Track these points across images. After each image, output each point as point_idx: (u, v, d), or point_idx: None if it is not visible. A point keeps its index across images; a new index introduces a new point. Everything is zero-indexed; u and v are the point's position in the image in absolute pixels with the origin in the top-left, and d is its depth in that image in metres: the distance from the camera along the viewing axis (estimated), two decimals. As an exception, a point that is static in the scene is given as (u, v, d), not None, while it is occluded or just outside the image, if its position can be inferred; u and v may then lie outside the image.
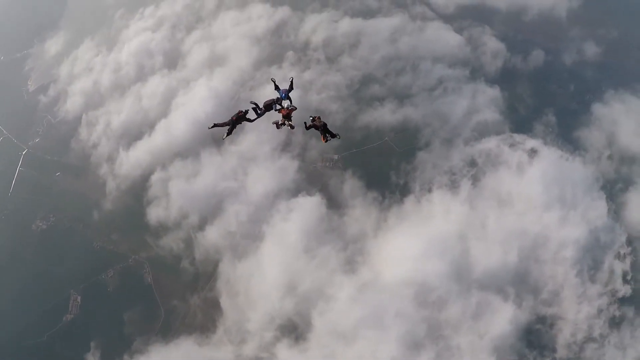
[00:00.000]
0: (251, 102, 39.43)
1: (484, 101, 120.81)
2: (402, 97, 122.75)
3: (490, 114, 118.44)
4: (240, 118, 39.19)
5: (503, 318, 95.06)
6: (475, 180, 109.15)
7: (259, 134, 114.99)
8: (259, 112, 39.30)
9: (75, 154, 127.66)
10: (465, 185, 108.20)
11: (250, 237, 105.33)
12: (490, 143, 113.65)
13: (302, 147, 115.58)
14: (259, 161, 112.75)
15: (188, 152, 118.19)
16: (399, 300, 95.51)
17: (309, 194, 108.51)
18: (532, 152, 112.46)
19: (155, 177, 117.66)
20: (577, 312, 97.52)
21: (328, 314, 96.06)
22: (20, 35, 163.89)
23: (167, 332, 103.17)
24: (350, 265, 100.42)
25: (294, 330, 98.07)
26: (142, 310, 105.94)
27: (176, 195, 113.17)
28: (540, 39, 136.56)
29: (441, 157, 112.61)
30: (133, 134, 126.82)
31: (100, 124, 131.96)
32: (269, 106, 38.93)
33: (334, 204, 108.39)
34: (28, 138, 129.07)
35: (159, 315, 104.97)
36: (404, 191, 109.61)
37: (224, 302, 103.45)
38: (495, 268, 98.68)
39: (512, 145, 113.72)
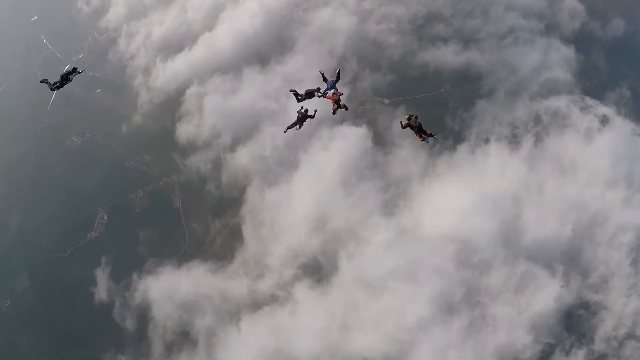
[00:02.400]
0: (291, 90, 39.71)
1: (557, 59, 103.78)
2: (467, 41, 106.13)
3: (562, 73, 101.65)
4: (304, 116, 39.16)
5: (548, 295, 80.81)
6: (538, 139, 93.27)
7: (308, 56, 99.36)
8: (299, 97, 39.09)
9: (112, 66, 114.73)
10: (528, 142, 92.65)
11: (284, 163, 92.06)
12: (560, 102, 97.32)
13: (354, 75, 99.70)
14: (305, 85, 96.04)
15: (229, 67, 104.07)
16: (439, 256, 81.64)
17: (355, 124, 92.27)
18: (604, 119, 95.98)
19: (190, 91, 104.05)
20: (624, 304, 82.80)
21: (357, 258, 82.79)
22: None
23: (182, 256, 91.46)
24: (390, 208, 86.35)
25: (317, 271, 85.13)
26: (163, 233, 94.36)
27: (210, 111, 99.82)
28: (622, 8, 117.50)
29: (504, 108, 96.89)
30: (173, 47, 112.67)
31: (140, 35, 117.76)
32: (310, 94, 38.77)
33: (381, 140, 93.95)
34: (72, 54, 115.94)
35: (179, 239, 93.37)
36: (458, 138, 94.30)
37: (247, 231, 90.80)
38: (547, 239, 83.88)
39: (583, 109, 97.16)
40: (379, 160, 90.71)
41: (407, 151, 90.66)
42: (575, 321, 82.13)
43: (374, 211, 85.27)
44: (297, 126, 39.14)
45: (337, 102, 37.76)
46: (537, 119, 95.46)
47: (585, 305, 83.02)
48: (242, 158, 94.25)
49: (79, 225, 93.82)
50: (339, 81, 38.87)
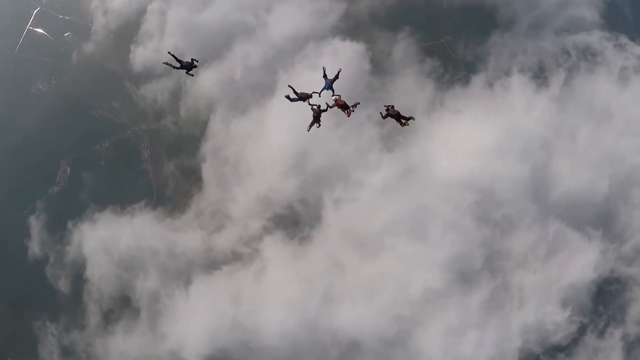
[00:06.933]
0: (289, 86, 29.93)
1: (582, -3, 73.32)
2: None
3: (588, 12, 71.11)
4: (319, 112, 29.92)
5: (585, 263, 54.55)
6: (568, 76, 64.01)
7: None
8: (292, 98, 29.81)
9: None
10: (558, 77, 63.37)
11: (257, 88, 61.76)
12: (592, 37, 67.68)
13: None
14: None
15: (199, -19, 72.43)
16: (453, 208, 53.63)
17: (351, 38, 62.17)
18: (640, 61, 68.09)
19: (152, 7, 72.70)
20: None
21: (347, 206, 54.78)
22: None
23: (126, 202, 63.72)
24: (390, 143, 57.48)
25: (294, 224, 57.68)
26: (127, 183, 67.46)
27: (173, 28, 68.78)
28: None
29: (526, 38, 67.06)
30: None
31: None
32: (304, 98, 30.02)
33: (379, 66, 63.23)
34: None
35: (145, 191, 66.09)
36: (472, 68, 64.49)
37: (206, 172, 62.24)
38: (581, 195, 56.92)
39: (617, 47, 67.62)
40: (376, 85, 60.72)
41: (411, 80, 60.62)
42: (606, 298, 56.48)
43: (370, 146, 56.12)
44: (317, 124, 30.12)
45: (344, 106, 29.62)
46: (566, 54, 66.53)
47: (616, 280, 57.22)
48: (206, 82, 64.41)
49: (40, 180, 68.77)
50: (337, 80, 30.08)
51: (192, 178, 63.02)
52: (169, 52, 30.59)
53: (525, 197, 54.61)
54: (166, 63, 30.97)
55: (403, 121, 30.50)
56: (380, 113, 30.56)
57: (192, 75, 31.42)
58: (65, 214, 63.73)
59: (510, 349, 50.18)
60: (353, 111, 30.07)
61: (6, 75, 79.21)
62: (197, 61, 31.07)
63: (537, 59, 65.21)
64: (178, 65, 30.70)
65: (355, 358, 51.31)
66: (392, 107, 30.50)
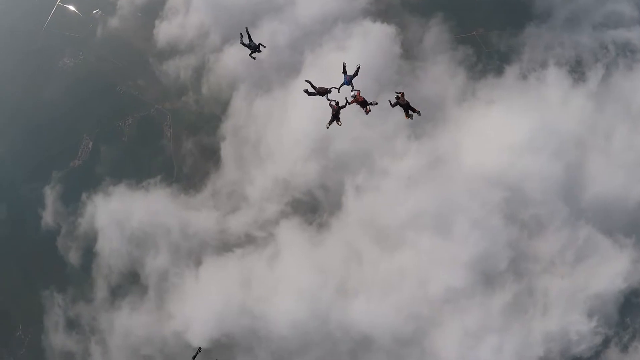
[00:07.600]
0: (306, 81, 29.94)
1: (621, -9, 68.27)
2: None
3: (628, 8, 65.40)
4: (338, 109, 29.43)
5: (614, 272, 49.91)
6: (607, 72, 58.99)
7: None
8: (309, 92, 29.76)
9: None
10: (596, 73, 58.48)
11: (283, 67, 57.77)
12: (632, 33, 62.37)
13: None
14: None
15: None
16: (480, 204, 49.34)
17: (382, 20, 58.20)
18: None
19: (179, -18, 69.80)
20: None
21: (369, 195, 50.53)
22: None
23: (143, 177, 60.52)
24: (417, 131, 52.75)
25: (313, 210, 53.67)
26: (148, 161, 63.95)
27: (199, 4, 65.01)
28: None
29: (563, 31, 61.82)
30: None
31: None
32: (323, 93, 29.76)
33: (411, 50, 58.90)
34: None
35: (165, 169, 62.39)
36: (506, 58, 59.69)
37: (226, 151, 58.57)
38: (613, 199, 52.10)
39: (658, 44, 63.95)
40: (406, 69, 56.74)
41: (442, 67, 56.98)
42: (633, 310, 51.64)
43: (397, 133, 51.95)
44: (337, 122, 29.58)
45: (363, 102, 28.67)
46: (605, 49, 61.54)
47: (640, 292, 53.99)
48: (230, 60, 60.40)
49: (63, 153, 65.86)
50: (357, 76, 29.18)
51: (211, 157, 59.70)
52: (246, 28, 31.11)
53: (556, 198, 50.34)
54: (241, 34, 31.49)
55: (410, 112, 29.61)
56: (389, 100, 29.31)
57: (254, 58, 31.83)
58: (82, 187, 60.81)
59: (532, 357, 46.54)
60: (370, 110, 28.94)
61: (34, 50, 75.31)
62: (265, 47, 31.40)
63: (575, 52, 60.11)
64: (247, 42, 31.10)
65: (365, 354, 48.01)
66: (403, 95, 29.50)
